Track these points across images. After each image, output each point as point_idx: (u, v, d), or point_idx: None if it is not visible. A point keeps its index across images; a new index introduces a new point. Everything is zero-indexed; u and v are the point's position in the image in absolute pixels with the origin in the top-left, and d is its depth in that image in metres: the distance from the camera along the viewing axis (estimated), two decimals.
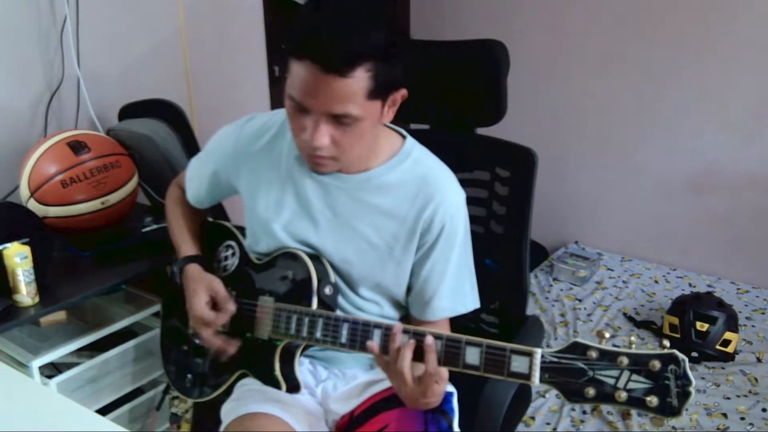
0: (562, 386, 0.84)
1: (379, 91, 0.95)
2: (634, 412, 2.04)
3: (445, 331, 1.13)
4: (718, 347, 2.31)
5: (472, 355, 0.91)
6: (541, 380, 0.85)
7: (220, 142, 1.22)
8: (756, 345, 2.42)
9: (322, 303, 1.09)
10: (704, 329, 2.31)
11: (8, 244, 1.30)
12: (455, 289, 1.13)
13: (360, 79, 0.91)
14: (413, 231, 1.09)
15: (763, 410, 2.06)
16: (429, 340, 0.93)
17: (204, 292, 1.15)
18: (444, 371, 0.94)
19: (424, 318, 1.15)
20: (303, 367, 1.20)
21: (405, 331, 0.96)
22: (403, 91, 1.02)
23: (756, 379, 2.22)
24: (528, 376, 0.86)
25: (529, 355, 0.86)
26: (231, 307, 1.14)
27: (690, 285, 2.86)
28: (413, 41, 1.56)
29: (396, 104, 1.03)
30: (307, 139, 0.97)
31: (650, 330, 2.53)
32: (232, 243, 1.27)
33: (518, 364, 0.87)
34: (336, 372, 1.21)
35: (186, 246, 1.25)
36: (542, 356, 0.85)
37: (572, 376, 0.83)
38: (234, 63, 2.40)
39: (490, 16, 3.20)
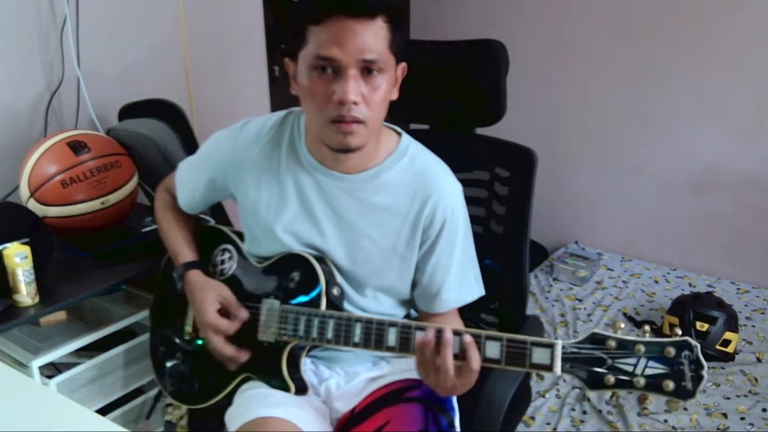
0: (582, 375, 0.88)
1: (395, 46, 1.00)
2: (633, 404, 2.04)
3: (455, 319, 1.16)
4: (718, 347, 2.31)
5: (493, 349, 0.93)
6: (563, 370, 0.89)
7: (215, 148, 1.21)
8: (756, 345, 2.42)
9: (330, 304, 1.09)
10: (704, 329, 2.31)
11: (8, 244, 1.30)
12: (461, 280, 1.14)
13: (381, 27, 0.97)
14: (415, 226, 1.10)
15: (763, 410, 2.06)
16: (467, 338, 0.94)
17: (214, 300, 1.15)
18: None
19: (433, 311, 1.16)
20: (305, 367, 1.20)
21: (421, 329, 0.97)
22: (404, 65, 1.06)
23: (756, 379, 2.22)
24: (550, 367, 0.89)
25: (551, 347, 0.89)
26: (243, 314, 1.14)
27: (690, 285, 2.86)
28: (413, 41, 1.56)
29: (398, 81, 1.06)
30: (340, 97, 0.96)
31: (650, 330, 2.52)
32: (229, 246, 1.26)
33: (539, 355, 0.90)
34: (338, 370, 1.22)
35: (184, 252, 1.24)
36: (563, 347, 0.89)
37: (592, 365, 0.87)
38: (234, 63, 2.40)
39: (490, 16, 3.20)
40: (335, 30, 0.95)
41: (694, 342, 0.84)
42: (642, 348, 0.85)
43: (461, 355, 0.94)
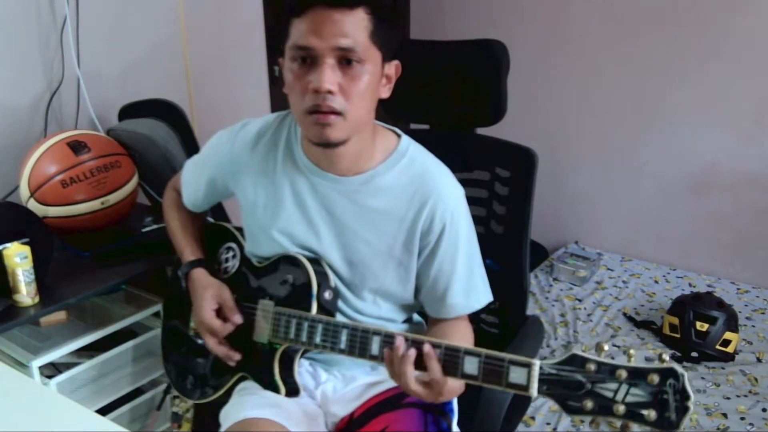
0: (560, 398, 0.84)
1: (379, 37, 0.97)
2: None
3: (463, 326, 1.14)
4: (718, 347, 2.31)
5: (471, 365, 0.90)
6: (539, 392, 0.85)
7: (215, 148, 1.21)
8: (756, 345, 2.42)
9: (321, 308, 1.09)
10: (704, 329, 2.31)
11: (8, 244, 1.30)
12: (468, 286, 1.13)
13: (362, 18, 0.95)
14: (413, 231, 1.09)
15: (763, 410, 2.06)
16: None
17: (212, 300, 1.15)
18: None
19: (441, 316, 1.14)
20: (302, 369, 1.20)
21: (404, 339, 0.95)
22: (398, 63, 1.05)
23: (756, 379, 2.22)
24: (526, 388, 0.86)
25: (528, 366, 0.86)
26: (237, 319, 1.13)
27: (690, 285, 2.86)
28: (413, 41, 1.56)
29: (391, 80, 1.05)
30: (315, 85, 0.95)
31: (650, 330, 2.53)
32: (233, 245, 1.26)
33: (516, 375, 0.87)
34: (336, 374, 1.21)
35: (189, 250, 1.25)
36: (540, 368, 0.85)
37: (570, 389, 0.83)
38: (234, 63, 2.40)
39: (490, 16, 3.20)
40: (314, 20, 0.94)
41: (680, 370, 0.79)
42: (624, 373, 0.80)
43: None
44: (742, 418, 2.02)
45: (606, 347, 0.84)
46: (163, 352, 1.37)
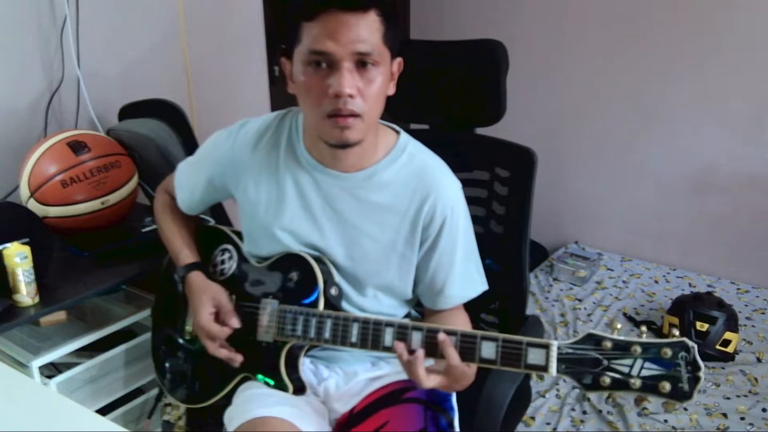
0: (578, 376, 0.87)
1: (389, 40, 1.00)
2: (632, 406, 2.04)
3: (461, 315, 1.16)
4: (718, 347, 2.31)
5: (488, 350, 0.93)
6: (558, 371, 0.88)
7: (213, 148, 1.21)
8: (756, 345, 2.42)
9: (328, 304, 1.09)
10: (704, 329, 2.31)
11: (8, 244, 1.30)
12: (464, 276, 1.14)
13: (374, 20, 0.97)
14: (415, 225, 1.10)
15: (763, 410, 2.06)
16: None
17: (209, 303, 1.15)
18: None
19: (437, 307, 1.16)
20: (304, 367, 1.20)
21: (418, 329, 0.97)
22: (401, 60, 1.07)
23: (756, 379, 2.22)
24: (545, 368, 0.89)
25: (546, 347, 0.89)
26: (234, 323, 1.13)
27: (690, 285, 2.87)
28: (413, 41, 1.56)
29: (395, 76, 1.06)
30: (335, 90, 0.96)
31: (650, 330, 2.53)
32: (229, 246, 1.26)
33: (535, 356, 0.90)
34: (337, 371, 1.22)
35: (185, 253, 1.25)
36: (558, 348, 0.88)
37: (588, 366, 0.87)
38: (234, 63, 2.40)
39: (490, 16, 3.20)
40: (329, 24, 0.95)
41: (691, 343, 0.83)
42: (638, 349, 0.85)
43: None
44: (742, 418, 2.02)
45: (619, 326, 0.89)
46: (154, 358, 1.35)
